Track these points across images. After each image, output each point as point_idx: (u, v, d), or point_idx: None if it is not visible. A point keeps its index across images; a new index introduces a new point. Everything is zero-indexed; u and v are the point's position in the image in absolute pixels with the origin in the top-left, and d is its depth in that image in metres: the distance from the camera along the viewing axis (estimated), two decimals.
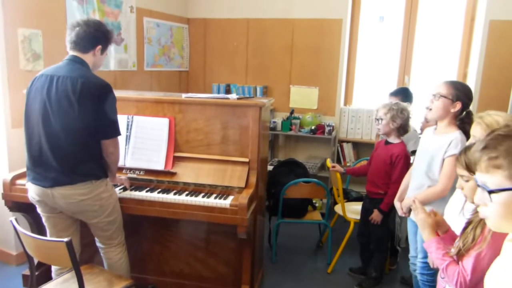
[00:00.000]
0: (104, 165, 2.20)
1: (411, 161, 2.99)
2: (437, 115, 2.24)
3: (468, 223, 1.51)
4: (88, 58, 2.16)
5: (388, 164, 2.79)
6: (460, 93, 2.19)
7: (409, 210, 2.41)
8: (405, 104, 2.82)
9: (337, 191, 3.30)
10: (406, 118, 2.75)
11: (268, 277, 3.10)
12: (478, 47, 4.05)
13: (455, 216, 1.80)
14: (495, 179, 1.04)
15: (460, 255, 1.49)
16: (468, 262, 1.43)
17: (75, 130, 2.03)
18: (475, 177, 1.11)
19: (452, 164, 2.12)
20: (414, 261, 2.49)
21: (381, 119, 2.79)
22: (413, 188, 2.36)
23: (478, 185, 1.10)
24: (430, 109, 2.26)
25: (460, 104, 2.17)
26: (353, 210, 3.33)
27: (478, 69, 4.06)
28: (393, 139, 2.83)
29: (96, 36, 2.16)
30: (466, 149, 1.56)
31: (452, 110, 2.19)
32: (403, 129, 2.78)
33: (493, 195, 1.04)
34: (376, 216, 2.85)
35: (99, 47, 2.18)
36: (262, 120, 2.54)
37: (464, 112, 2.22)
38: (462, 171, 1.54)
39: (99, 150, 2.14)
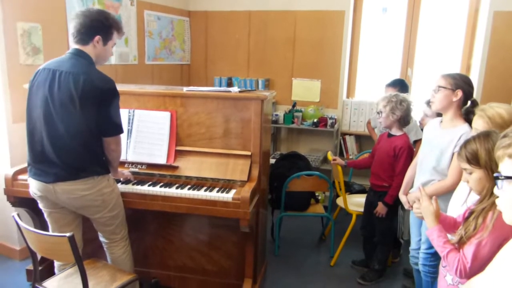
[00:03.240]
0: (106, 161, 2.18)
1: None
2: (440, 107, 2.23)
3: (471, 212, 1.54)
4: (89, 50, 2.09)
5: (392, 156, 2.78)
6: (459, 81, 2.18)
7: None
8: (404, 95, 2.80)
9: (339, 184, 3.29)
10: (406, 109, 2.73)
11: (271, 270, 3.11)
12: (482, 38, 4.00)
13: (458, 207, 1.80)
14: (506, 167, 1.04)
15: (461, 243, 1.52)
16: (469, 250, 1.46)
17: (76, 127, 2.01)
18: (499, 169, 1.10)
19: None
20: (414, 253, 2.49)
21: (381, 112, 2.78)
22: (421, 184, 2.33)
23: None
24: (433, 102, 2.25)
25: (461, 91, 2.16)
26: (355, 203, 3.32)
27: (482, 61, 4.02)
28: (395, 131, 2.82)
29: (93, 26, 2.06)
30: (466, 143, 1.58)
31: (454, 99, 2.18)
32: (404, 120, 2.76)
33: (501, 182, 1.04)
34: (380, 209, 2.84)
35: (98, 37, 2.08)
36: (264, 113, 2.52)
37: (469, 102, 2.21)
38: (465, 165, 1.56)
39: (101, 147, 2.12)
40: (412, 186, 2.52)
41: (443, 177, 2.23)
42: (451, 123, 2.22)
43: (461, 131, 2.15)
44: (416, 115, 3.11)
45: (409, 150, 2.76)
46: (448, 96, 2.18)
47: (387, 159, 2.81)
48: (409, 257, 2.57)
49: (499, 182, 1.06)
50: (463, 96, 2.17)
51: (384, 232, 2.94)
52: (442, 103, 2.21)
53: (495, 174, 1.08)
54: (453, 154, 2.17)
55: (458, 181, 2.12)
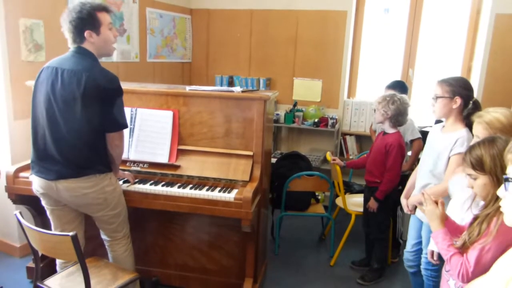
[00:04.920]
0: (108, 159, 2.18)
1: (409, 153, 3.05)
2: (441, 115, 2.25)
3: (475, 217, 1.54)
4: (88, 46, 2.07)
5: (383, 153, 2.85)
6: (456, 87, 2.17)
7: (415, 208, 2.41)
8: (401, 96, 2.85)
9: (338, 184, 3.30)
10: (396, 109, 2.77)
11: (271, 270, 3.11)
12: (483, 40, 4.01)
13: (461, 213, 1.80)
14: None
15: (465, 248, 1.52)
16: (472, 255, 1.46)
17: (79, 125, 2.01)
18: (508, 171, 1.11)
19: (456, 163, 2.12)
20: (408, 256, 2.49)
21: (376, 109, 2.88)
22: (420, 187, 2.35)
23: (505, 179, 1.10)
24: (434, 111, 2.27)
25: (460, 98, 2.16)
26: (355, 203, 3.33)
27: (483, 63, 4.03)
28: (388, 129, 2.88)
29: (76, 25, 2.02)
30: (471, 148, 1.58)
31: (454, 107, 2.18)
32: (395, 119, 2.82)
33: (509, 184, 1.05)
34: (371, 204, 2.90)
35: (87, 32, 2.03)
36: (266, 113, 2.52)
37: (471, 103, 2.20)
38: (469, 170, 1.56)
39: (104, 145, 2.12)
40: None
41: (439, 181, 2.24)
42: (451, 128, 2.23)
43: (457, 135, 2.16)
44: (414, 115, 3.15)
45: (399, 148, 2.82)
46: (447, 105, 2.19)
47: (379, 156, 2.88)
48: (403, 260, 2.56)
49: (507, 184, 1.06)
50: (463, 102, 2.17)
51: (378, 227, 2.99)
52: (442, 111, 2.22)
53: (505, 176, 1.08)
54: (449, 158, 2.18)
55: None
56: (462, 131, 2.16)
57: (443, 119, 2.32)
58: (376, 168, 2.89)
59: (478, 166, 1.51)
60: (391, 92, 3.20)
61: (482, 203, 1.57)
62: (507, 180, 1.06)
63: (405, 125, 2.99)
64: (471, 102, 2.20)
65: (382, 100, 2.82)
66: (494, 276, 1.23)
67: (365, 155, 3.35)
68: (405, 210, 2.50)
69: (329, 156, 3.35)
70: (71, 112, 2.00)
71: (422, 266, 2.36)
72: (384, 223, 3.03)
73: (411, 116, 3.12)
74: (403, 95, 2.89)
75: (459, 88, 2.17)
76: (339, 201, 3.44)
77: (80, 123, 2.01)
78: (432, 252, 2.01)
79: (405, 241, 3.42)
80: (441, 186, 2.20)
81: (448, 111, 2.20)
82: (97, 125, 2.04)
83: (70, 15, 2.03)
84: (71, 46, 2.10)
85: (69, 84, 1.99)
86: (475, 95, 3.99)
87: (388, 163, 2.82)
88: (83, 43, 2.07)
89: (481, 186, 1.52)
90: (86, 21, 2.03)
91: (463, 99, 2.16)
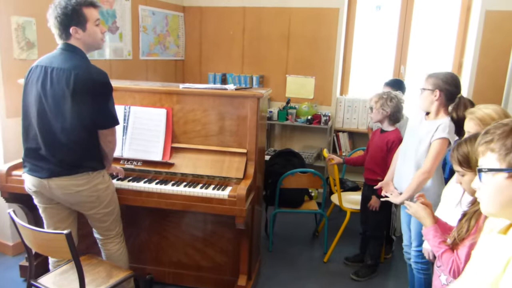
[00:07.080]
0: (101, 156, 2.17)
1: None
2: (424, 107, 2.34)
3: (464, 214, 1.56)
4: (74, 42, 2.05)
5: (385, 151, 2.86)
6: (438, 81, 2.25)
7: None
8: (396, 93, 2.89)
9: (334, 181, 3.32)
10: (395, 106, 2.82)
11: (265, 266, 3.13)
12: (474, 37, 4.05)
13: (451, 208, 1.83)
14: (488, 161, 1.08)
15: (454, 244, 1.55)
16: (462, 251, 1.48)
17: (70, 123, 2.00)
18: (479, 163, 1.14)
19: (437, 148, 2.21)
20: (407, 249, 2.54)
21: (373, 108, 2.88)
22: (402, 173, 2.43)
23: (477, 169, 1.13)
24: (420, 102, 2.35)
25: (439, 91, 2.24)
26: (349, 200, 3.36)
27: (474, 59, 4.07)
28: (387, 127, 2.91)
29: (61, 22, 1.99)
30: (458, 146, 1.61)
31: (434, 99, 2.26)
32: (393, 116, 2.85)
33: (482, 174, 1.08)
34: (374, 201, 2.91)
35: (73, 28, 2.00)
36: (260, 110, 2.53)
37: (457, 99, 2.26)
38: (457, 167, 1.59)
39: (96, 142, 2.11)
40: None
41: (419, 167, 2.31)
42: (434, 117, 2.32)
43: (439, 122, 2.24)
44: (407, 112, 3.18)
45: (400, 144, 2.81)
46: (428, 97, 2.28)
47: (380, 154, 2.89)
48: (403, 253, 2.61)
49: (481, 175, 1.09)
50: (443, 96, 2.24)
51: (377, 225, 3.01)
52: (425, 103, 2.32)
53: (478, 168, 1.11)
54: (430, 144, 2.25)
55: (432, 170, 2.23)
56: (445, 119, 2.25)
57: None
58: (378, 166, 2.90)
59: (465, 163, 1.54)
60: (389, 89, 3.24)
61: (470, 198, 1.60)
62: (480, 171, 1.09)
63: (401, 123, 3.00)
64: (458, 97, 2.25)
65: (379, 99, 2.83)
66: (467, 276, 1.25)
67: (362, 152, 3.38)
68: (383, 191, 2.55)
69: (326, 153, 3.38)
70: (62, 111, 1.99)
71: (412, 260, 2.40)
72: (384, 222, 3.04)
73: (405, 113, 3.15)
74: (397, 92, 2.92)
75: (441, 82, 2.25)
76: (334, 198, 3.46)
77: (71, 122, 2.00)
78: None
79: (398, 237, 3.47)
80: (419, 172, 2.26)
81: (429, 103, 2.29)
82: (89, 123, 2.03)
83: (55, 11, 2.00)
84: (58, 42, 2.08)
85: (58, 83, 1.97)
86: (466, 91, 4.06)
87: (390, 160, 2.80)
88: (69, 39, 2.05)
89: (468, 183, 1.53)
90: (71, 18, 2.00)
91: (443, 92, 2.24)
